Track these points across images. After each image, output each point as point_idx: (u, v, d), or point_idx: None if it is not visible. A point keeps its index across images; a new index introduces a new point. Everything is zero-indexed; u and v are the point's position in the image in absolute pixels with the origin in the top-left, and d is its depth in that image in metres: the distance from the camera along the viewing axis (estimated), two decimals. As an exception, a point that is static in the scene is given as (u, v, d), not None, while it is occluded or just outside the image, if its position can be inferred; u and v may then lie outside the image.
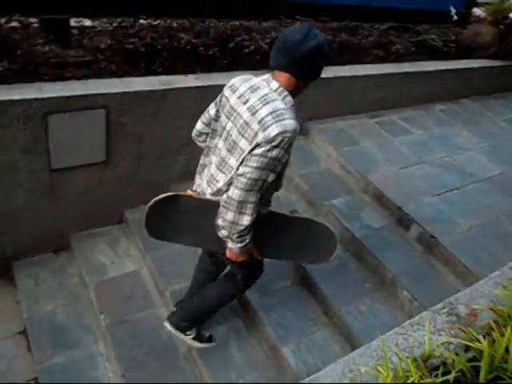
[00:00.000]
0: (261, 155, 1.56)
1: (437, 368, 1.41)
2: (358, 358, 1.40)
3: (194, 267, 2.34)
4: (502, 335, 1.53)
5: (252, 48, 2.99)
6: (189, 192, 1.97)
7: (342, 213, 2.86)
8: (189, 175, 3.02)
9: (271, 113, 1.56)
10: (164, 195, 1.81)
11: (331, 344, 2.32)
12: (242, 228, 1.65)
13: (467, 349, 1.50)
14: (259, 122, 1.57)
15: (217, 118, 1.82)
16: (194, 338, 2.21)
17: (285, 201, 3.03)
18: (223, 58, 2.96)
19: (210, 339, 2.30)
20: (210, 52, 2.87)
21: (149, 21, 2.94)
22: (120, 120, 2.58)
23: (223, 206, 1.64)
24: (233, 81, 1.76)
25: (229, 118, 1.71)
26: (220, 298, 2.15)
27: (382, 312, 2.42)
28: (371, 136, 3.57)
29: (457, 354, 1.44)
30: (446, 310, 1.69)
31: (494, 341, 1.51)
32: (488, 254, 2.62)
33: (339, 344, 2.31)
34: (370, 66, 3.76)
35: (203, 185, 1.89)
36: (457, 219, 2.87)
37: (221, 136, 1.78)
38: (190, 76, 2.84)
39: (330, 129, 3.54)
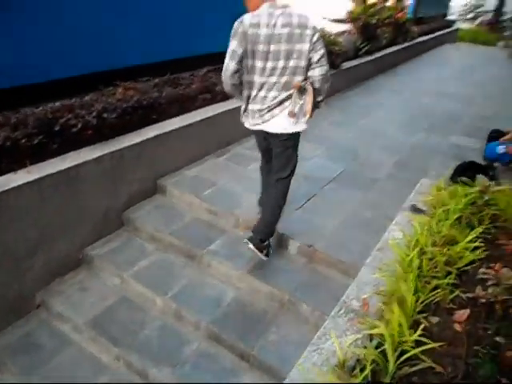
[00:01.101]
0: (320, 39, 2.39)
1: (354, 368, 1.48)
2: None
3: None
4: (393, 312, 1.67)
5: (80, 125, 2.87)
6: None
7: (221, 255, 2.87)
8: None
9: (300, 16, 2.36)
10: None
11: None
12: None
13: (372, 338, 1.61)
14: (300, 25, 2.32)
15: (244, 55, 2.38)
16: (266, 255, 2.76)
17: (166, 265, 2.93)
18: (52, 143, 2.78)
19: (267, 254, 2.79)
20: (36, 141, 2.67)
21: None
22: None
23: (323, 80, 2.45)
24: (246, 22, 2.35)
25: (269, 43, 2.34)
26: (285, 194, 2.74)
27: (291, 333, 2.47)
28: (225, 173, 3.70)
29: (365, 347, 1.53)
30: (343, 311, 1.79)
31: (388, 321, 1.64)
32: (357, 243, 2.89)
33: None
34: (201, 110, 3.92)
35: (267, 110, 2.50)
36: (322, 222, 3.12)
37: (266, 59, 2.37)
38: (21, 172, 2.60)
39: (184, 179, 3.57)
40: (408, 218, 2.53)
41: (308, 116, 2.52)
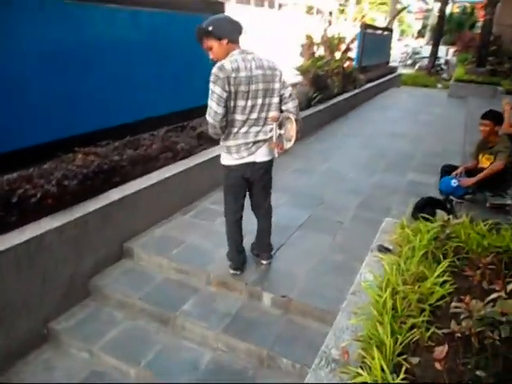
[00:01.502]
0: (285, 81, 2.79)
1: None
2: None
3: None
4: (373, 358, 1.66)
5: (39, 195, 2.81)
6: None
7: (195, 315, 2.79)
8: None
9: (268, 60, 2.72)
10: None
11: None
12: None
13: (355, 387, 1.58)
14: (270, 68, 2.69)
15: (227, 98, 2.58)
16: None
17: (138, 333, 2.80)
18: (10, 215, 2.69)
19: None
20: (-9, 215, 2.58)
21: None
22: None
23: (297, 110, 2.82)
24: (227, 67, 2.54)
25: (249, 84, 2.61)
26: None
27: (275, 391, 2.38)
28: (192, 230, 3.67)
29: (350, 399, 1.50)
30: (323, 362, 1.76)
31: (370, 367, 1.62)
32: (331, 289, 2.89)
33: None
34: (164, 169, 3.93)
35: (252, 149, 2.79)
36: (294, 271, 3.11)
37: (247, 98, 2.64)
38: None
39: (152, 239, 3.50)
40: (377, 258, 2.57)
41: (294, 140, 2.78)
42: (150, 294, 3.00)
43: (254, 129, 2.75)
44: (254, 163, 2.82)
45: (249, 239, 3.26)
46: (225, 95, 2.56)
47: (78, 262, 3.03)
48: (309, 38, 8.53)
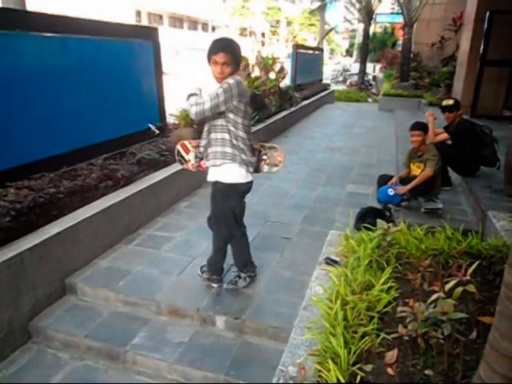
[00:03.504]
0: None
1: None
2: None
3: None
4: (329, 370, 1.69)
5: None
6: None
7: (147, 347, 2.68)
8: None
9: None
10: None
11: None
12: None
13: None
14: None
15: (227, 111, 2.71)
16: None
17: (86, 373, 2.64)
18: None
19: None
20: None
21: None
22: None
23: None
24: (243, 83, 2.77)
25: (246, 104, 2.80)
26: None
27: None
28: (138, 259, 3.55)
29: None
30: (281, 381, 1.76)
31: (327, 381, 1.64)
32: (283, 305, 2.90)
33: None
34: (104, 198, 3.80)
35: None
36: (245, 291, 3.10)
37: (245, 118, 2.81)
38: None
39: (96, 272, 3.35)
40: (325, 271, 2.63)
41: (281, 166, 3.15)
42: (97, 330, 2.85)
43: (253, 146, 2.97)
44: (250, 182, 2.94)
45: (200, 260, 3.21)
46: (223, 108, 2.67)
47: (15, 304, 2.82)
48: (244, 59, 8.72)
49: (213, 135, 2.80)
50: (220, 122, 2.74)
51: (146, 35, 5.14)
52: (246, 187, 2.93)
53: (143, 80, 5.14)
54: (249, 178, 2.89)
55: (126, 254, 3.64)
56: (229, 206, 2.89)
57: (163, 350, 2.66)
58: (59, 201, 3.40)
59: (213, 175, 2.88)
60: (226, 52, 2.65)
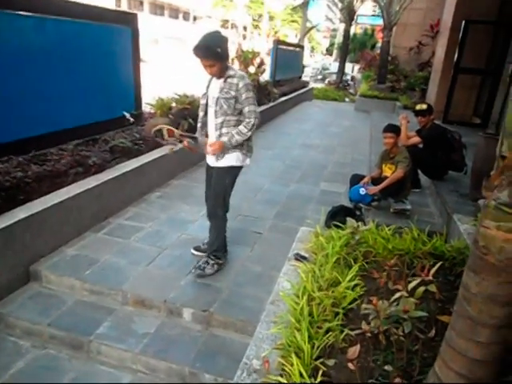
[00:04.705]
0: None
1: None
2: None
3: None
4: (292, 364, 1.71)
5: None
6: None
7: (111, 337, 2.65)
8: None
9: None
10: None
11: None
12: None
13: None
14: None
15: None
16: None
17: (48, 362, 2.59)
18: None
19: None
20: None
21: None
22: None
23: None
24: None
25: None
26: None
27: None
28: (106, 248, 3.50)
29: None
30: (245, 373, 1.78)
31: (289, 374, 1.67)
32: (251, 300, 2.93)
33: None
34: (74, 184, 3.71)
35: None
36: (214, 284, 3.11)
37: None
38: None
39: (62, 260, 3.28)
40: (294, 266, 2.66)
41: None
42: (61, 318, 2.80)
43: None
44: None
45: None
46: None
47: (-24, 289, 2.74)
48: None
49: (224, 130, 3.01)
50: (237, 117, 3.00)
51: (125, 20, 5.03)
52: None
53: (120, 66, 5.03)
54: (247, 162, 3.22)
55: (95, 243, 3.58)
56: (230, 185, 3.22)
57: (128, 340, 2.64)
58: (27, 185, 3.31)
59: (225, 161, 3.08)
60: (204, 57, 2.83)
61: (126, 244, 3.60)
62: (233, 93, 2.91)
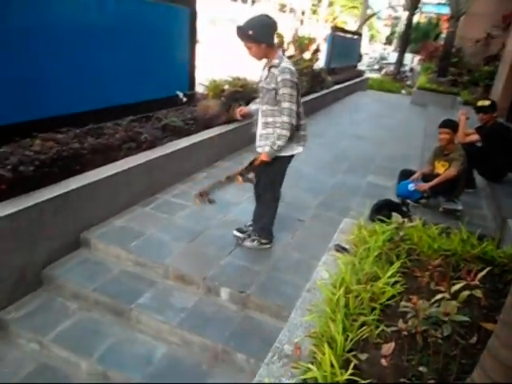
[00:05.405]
0: None
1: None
2: None
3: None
4: (324, 353, 1.71)
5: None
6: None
7: (151, 308, 2.77)
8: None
9: None
10: None
11: None
12: None
13: (306, 382, 1.62)
14: None
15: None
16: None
17: (91, 325, 2.74)
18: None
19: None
20: None
21: None
22: None
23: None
24: (295, 72, 2.97)
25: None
26: None
27: None
28: (152, 222, 3.62)
29: (299, 393, 1.54)
30: (276, 357, 1.79)
31: (320, 363, 1.66)
32: (288, 286, 2.94)
33: None
34: (127, 159, 3.85)
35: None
36: (253, 267, 3.14)
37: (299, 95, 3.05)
38: None
39: (110, 230, 3.44)
40: (333, 257, 2.64)
41: None
42: (106, 285, 2.95)
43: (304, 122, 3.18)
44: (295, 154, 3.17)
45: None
46: (295, 93, 2.89)
47: (31, 251, 2.93)
48: (279, 36, 8.57)
49: (270, 119, 3.03)
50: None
51: (183, 1, 5.09)
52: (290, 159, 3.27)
53: (176, 47, 5.11)
54: (296, 150, 3.21)
55: (141, 216, 3.72)
56: (278, 173, 3.29)
57: (166, 312, 2.74)
58: (82, 157, 3.47)
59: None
60: (243, 39, 2.83)
61: (170, 220, 3.71)
62: (273, 85, 2.89)
